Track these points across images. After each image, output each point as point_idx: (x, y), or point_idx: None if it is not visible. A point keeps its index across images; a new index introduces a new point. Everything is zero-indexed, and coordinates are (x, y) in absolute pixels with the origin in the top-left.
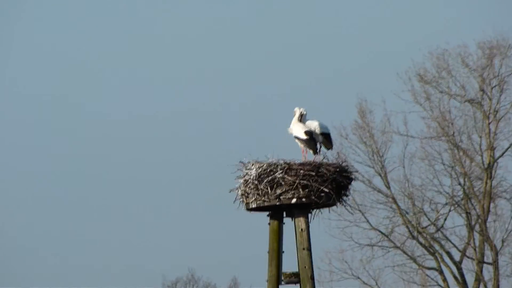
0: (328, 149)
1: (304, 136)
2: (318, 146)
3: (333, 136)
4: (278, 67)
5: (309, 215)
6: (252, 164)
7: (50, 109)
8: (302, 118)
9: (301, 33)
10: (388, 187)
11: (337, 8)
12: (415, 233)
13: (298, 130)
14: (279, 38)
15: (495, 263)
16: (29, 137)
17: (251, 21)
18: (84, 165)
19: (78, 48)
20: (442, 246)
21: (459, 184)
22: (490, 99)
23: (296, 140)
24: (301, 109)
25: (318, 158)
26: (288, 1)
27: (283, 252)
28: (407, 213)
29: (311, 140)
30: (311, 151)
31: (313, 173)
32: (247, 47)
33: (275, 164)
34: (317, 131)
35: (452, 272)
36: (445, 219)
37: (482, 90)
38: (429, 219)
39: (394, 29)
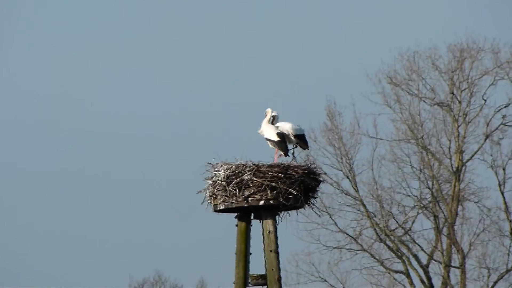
0: (304, 149)
1: (275, 138)
2: (292, 147)
3: None
4: (249, 70)
5: (277, 217)
6: (221, 166)
7: (49, 109)
8: (274, 120)
9: (271, 36)
10: (357, 190)
11: (308, 10)
12: (383, 236)
13: (269, 132)
14: (251, 42)
15: (462, 267)
16: (29, 137)
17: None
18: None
19: (77, 48)
20: (409, 249)
21: (428, 187)
22: (460, 102)
23: (268, 142)
24: (274, 112)
25: (288, 160)
26: (256, 7)
27: (251, 254)
28: (375, 215)
29: (282, 142)
30: (281, 153)
31: (281, 175)
32: (221, 52)
33: (243, 165)
34: (290, 133)
35: (419, 276)
36: (413, 222)
37: (452, 93)
38: (397, 222)
39: (364, 31)
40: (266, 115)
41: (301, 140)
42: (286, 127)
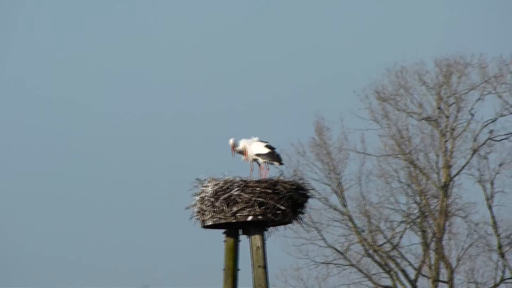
0: (280, 164)
1: (266, 150)
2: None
3: (291, 153)
4: (236, 83)
5: (265, 232)
6: (209, 181)
7: (50, 110)
8: (235, 146)
9: (259, 49)
10: (345, 205)
11: (294, 24)
12: (371, 251)
13: (257, 147)
14: (238, 54)
15: (450, 282)
16: (29, 137)
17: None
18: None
19: (77, 48)
20: (397, 264)
21: (415, 202)
22: (447, 117)
23: (258, 158)
24: (230, 140)
25: (275, 175)
26: (242, 19)
27: (239, 269)
28: (363, 231)
29: (273, 152)
30: (275, 163)
31: (270, 191)
32: (208, 61)
33: (231, 181)
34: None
35: None
36: (401, 237)
37: (439, 108)
38: (385, 237)
39: (351, 46)
40: (232, 147)
41: (272, 156)
42: (259, 146)
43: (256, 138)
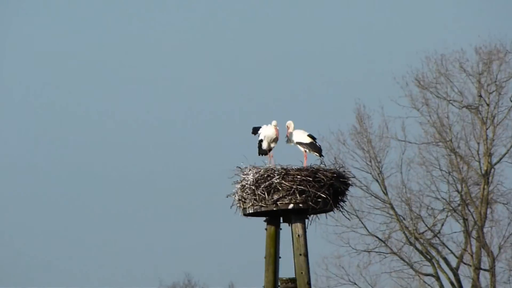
0: (320, 156)
1: (307, 140)
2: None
3: (331, 141)
4: (280, 71)
5: (306, 220)
6: (249, 169)
7: (50, 110)
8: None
9: (298, 39)
10: (386, 193)
11: (334, 13)
12: (412, 239)
13: (299, 135)
14: (278, 44)
15: (492, 270)
16: (29, 138)
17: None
18: (79, 168)
19: (77, 49)
20: (439, 252)
21: (456, 190)
22: (488, 105)
23: (298, 146)
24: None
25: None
26: (281, 9)
27: (280, 257)
28: (404, 219)
29: (315, 143)
30: (315, 154)
31: (310, 179)
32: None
33: (272, 169)
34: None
35: (449, 278)
36: (442, 225)
37: (480, 96)
38: (426, 225)
39: (391, 34)
40: (288, 128)
41: (313, 146)
42: (301, 135)
43: (302, 131)
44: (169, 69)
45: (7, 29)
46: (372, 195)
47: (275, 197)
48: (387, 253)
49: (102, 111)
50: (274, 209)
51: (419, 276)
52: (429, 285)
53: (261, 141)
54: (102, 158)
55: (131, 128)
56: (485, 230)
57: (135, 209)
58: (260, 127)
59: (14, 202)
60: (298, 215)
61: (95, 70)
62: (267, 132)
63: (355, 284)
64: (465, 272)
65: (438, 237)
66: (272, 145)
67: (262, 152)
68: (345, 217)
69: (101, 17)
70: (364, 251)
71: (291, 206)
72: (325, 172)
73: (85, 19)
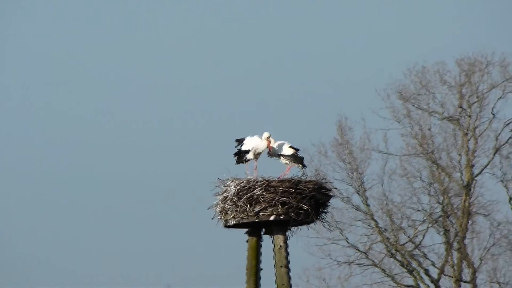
0: (302, 167)
1: (290, 152)
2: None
3: (312, 153)
4: (259, 83)
5: (288, 232)
6: (231, 181)
7: (50, 111)
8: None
9: (281, 49)
10: (367, 205)
11: (317, 25)
12: (393, 251)
13: (282, 147)
14: (262, 53)
15: (473, 281)
16: (29, 138)
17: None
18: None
19: (77, 49)
20: (420, 264)
21: (438, 201)
22: (469, 116)
23: (281, 159)
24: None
25: (299, 175)
26: (269, 18)
27: (261, 269)
28: (385, 230)
29: (297, 155)
30: (298, 165)
31: (292, 190)
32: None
33: (254, 180)
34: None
35: None
36: (423, 237)
37: (461, 107)
38: (407, 237)
39: (373, 46)
40: (268, 142)
41: (295, 158)
42: (283, 146)
43: (285, 143)
44: (169, 69)
45: (7, 29)
46: (354, 207)
47: (257, 208)
48: (368, 265)
49: (102, 111)
50: (256, 220)
51: (400, 287)
52: None
53: (246, 151)
54: (102, 158)
55: (131, 128)
56: (466, 241)
57: (114, 220)
58: (244, 139)
59: (14, 202)
60: (280, 227)
61: (95, 70)
62: (257, 145)
63: None
64: (446, 284)
65: (419, 249)
66: (257, 156)
67: (242, 161)
68: (326, 229)
69: (101, 17)
70: (345, 263)
71: (272, 217)
72: (307, 184)
73: (85, 19)
